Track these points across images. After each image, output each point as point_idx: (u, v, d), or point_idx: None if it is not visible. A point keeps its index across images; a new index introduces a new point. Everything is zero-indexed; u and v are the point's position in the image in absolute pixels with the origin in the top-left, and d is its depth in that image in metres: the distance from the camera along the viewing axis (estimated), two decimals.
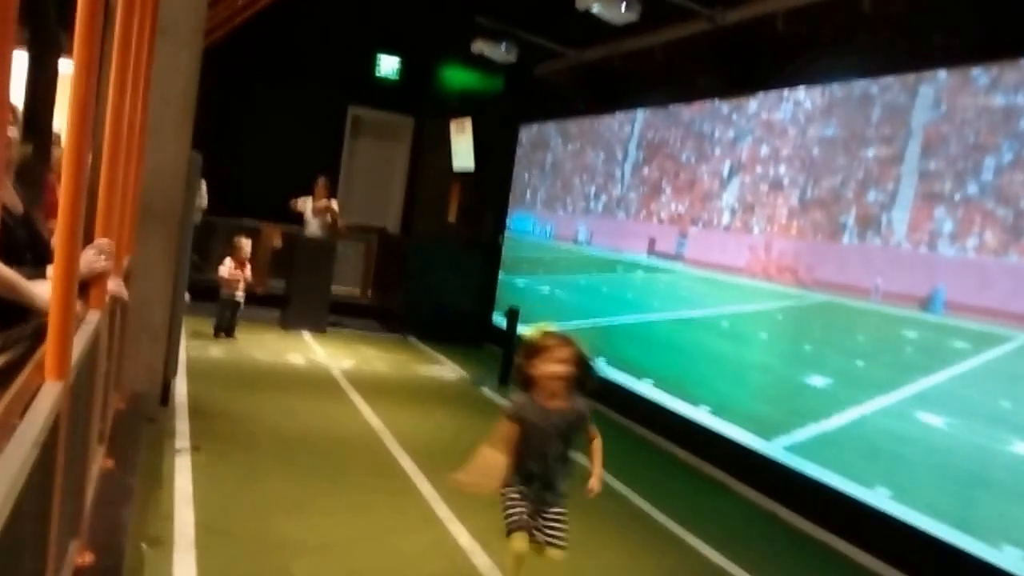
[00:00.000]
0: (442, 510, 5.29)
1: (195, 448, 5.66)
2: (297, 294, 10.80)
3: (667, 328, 8.39)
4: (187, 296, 11.57)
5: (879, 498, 5.53)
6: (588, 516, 5.68)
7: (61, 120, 7.48)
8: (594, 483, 3.88)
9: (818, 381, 6.29)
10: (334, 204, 11.57)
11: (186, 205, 6.32)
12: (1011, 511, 4.74)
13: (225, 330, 9.81)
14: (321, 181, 11.58)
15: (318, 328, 11.07)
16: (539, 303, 11.05)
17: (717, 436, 7.17)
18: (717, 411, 7.28)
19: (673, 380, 8.00)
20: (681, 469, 7.26)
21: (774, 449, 6.52)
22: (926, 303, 5.52)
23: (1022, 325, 4.89)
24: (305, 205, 11.42)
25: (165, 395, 6.49)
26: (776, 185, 7.05)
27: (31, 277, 2.82)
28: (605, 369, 9.08)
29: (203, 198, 11.49)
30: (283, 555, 4.32)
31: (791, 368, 6.60)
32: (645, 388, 8.35)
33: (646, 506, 6.01)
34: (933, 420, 5.29)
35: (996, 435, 4.88)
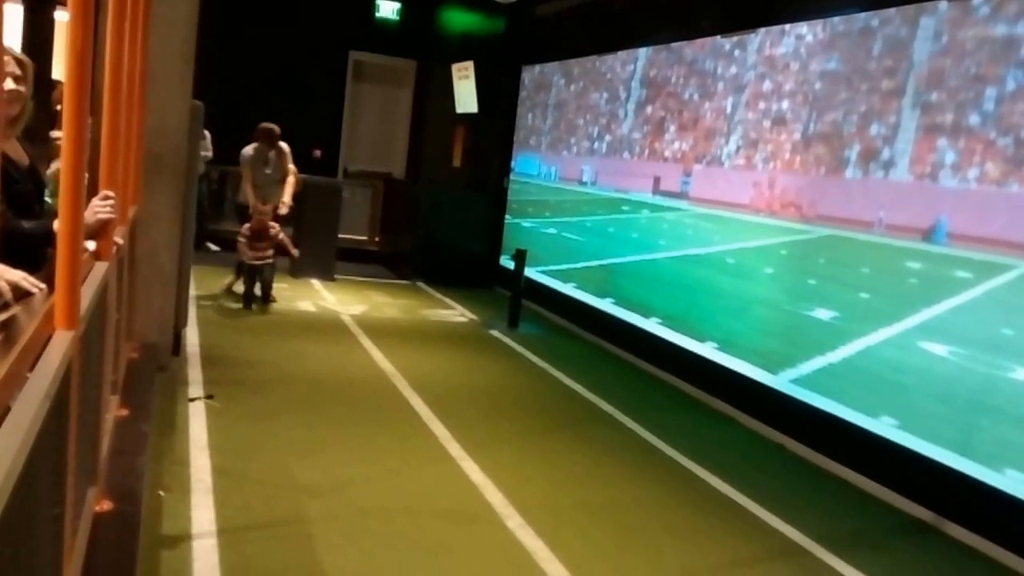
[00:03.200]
0: (454, 449, 5.39)
1: (208, 397, 5.75)
2: (305, 242, 10.84)
3: (673, 266, 8.42)
4: (213, 246, 11.68)
5: (884, 427, 5.60)
6: (598, 450, 5.79)
7: (59, 72, 7.48)
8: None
9: (823, 314, 6.33)
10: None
11: (190, 154, 6.35)
12: (1012, 436, 4.80)
13: (258, 299, 8.98)
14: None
15: (327, 275, 11.14)
16: (546, 245, 11.09)
17: (724, 370, 7.25)
18: (723, 346, 7.35)
19: (680, 317, 8.06)
20: (689, 404, 7.35)
21: (780, 382, 6.59)
22: (928, 234, 5.53)
23: (1022, 254, 4.92)
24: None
25: (177, 344, 6.57)
26: (779, 121, 7.03)
27: (40, 229, 2.87)
28: (617, 310, 9.15)
29: (208, 149, 11.50)
30: (299, 496, 4.43)
31: (796, 302, 6.64)
32: (652, 326, 8.41)
33: (655, 440, 6.10)
34: (936, 349, 5.34)
35: (998, 362, 4.93)
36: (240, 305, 8.88)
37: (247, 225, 9.00)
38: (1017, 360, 4.84)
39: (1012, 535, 4.72)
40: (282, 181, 9.51)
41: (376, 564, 3.81)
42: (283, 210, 9.35)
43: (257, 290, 9.01)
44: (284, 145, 9.58)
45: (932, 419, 5.30)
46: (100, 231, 3.28)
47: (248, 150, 9.50)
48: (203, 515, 4.04)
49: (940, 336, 5.35)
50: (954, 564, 4.69)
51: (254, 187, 9.41)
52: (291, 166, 9.61)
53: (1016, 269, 4.95)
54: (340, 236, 11.60)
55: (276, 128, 9.52)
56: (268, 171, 9.48)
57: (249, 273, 8.96)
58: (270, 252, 9.01)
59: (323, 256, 11.15)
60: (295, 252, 9.63)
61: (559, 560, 4.00)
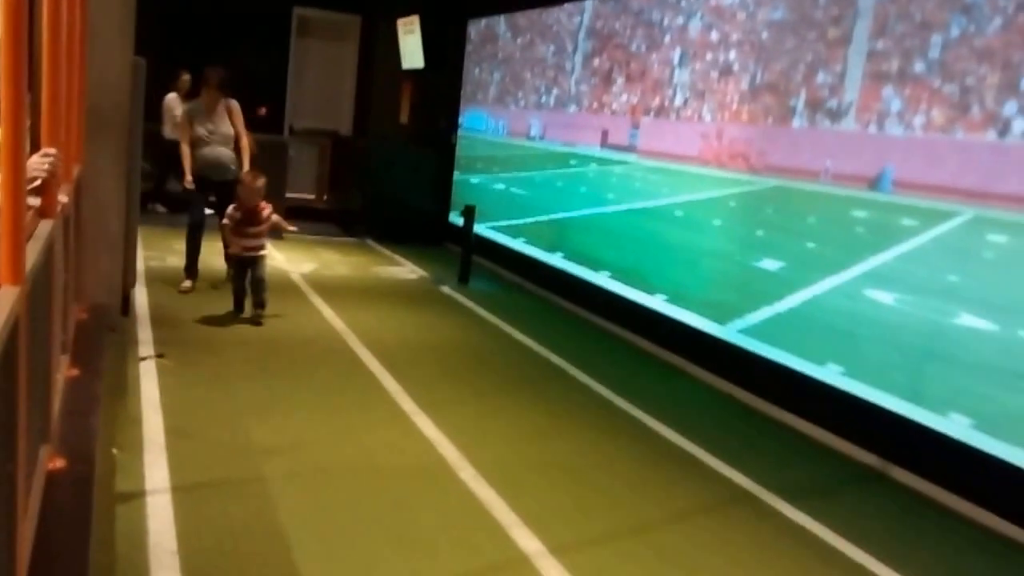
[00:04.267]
0: (408, 405, 5.39)
1: (159, 356, 5.68)
2: None
3: (623, 220, 8.45)
4: (160, 207, 11.47)
5: (832, 375, 5.70)
6: (551, 405, 5.82)
7: None
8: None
9: (771, 265, 6.41)
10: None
11: (134, 112, 6.20)
12: (957, 381, 4.92)
13: (251, 304, 7.04)
14: (184, 77, 11.27)
15: (275, 235, 10.98)
16: (495, 201, 11.06)
17: (674, 323, 7.31)
18: (673, 299, 7.41)
19: (630, 271, 8.10)
20: (641, 357, 7.42)
21: (730, 333, 6.67)
22: (875, 183, 5.61)
23: (968, 200, 5.00)
24: (176, 104, 11.07)
25: (125, 305, 6.47)
26: (726, 71, 7.05)
27: None
28: (568, 265, 9.17)
29: (176, 113, 11.38)
30: (254, 455, 4.40)
31: (744, 253, 6.71)
32: (603, 280, 8.45)
33: (608, 394, 6.15)
34: (883, 297, 5.43)
35: (944, 309, 5.03)
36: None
37: (233, 206, 6.99)
38: (962, 306, 4.94)
39: (957, 479, 4.84)
40: (233, 144, 7.81)
41: (335, 519, 3.81)
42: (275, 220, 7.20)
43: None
44: (234, 101, 7.87)
45: (879, 366, 5.40)
46: (43, 189, 3.20)
47: (173, 98, 8.64)
48: (157, 473, 4.00)
49: (887, 284, 5.44)
50: (901, 508, 4.80)
51: (192, 149, 7.69)
52: (242, 127, 7.91)
53: (961, 215, 5.04)
54: (288, 195, 11.46)
55: (225, 72, 7.79)
56: (210, 129, 7.67)
57: (238, 266, 7.02)
58: (262, 242, 7.01)
59: None
60: (294, 228, 7.80)
61: (514, 512, 4.03)
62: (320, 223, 12.55)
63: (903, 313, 5.29)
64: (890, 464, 5.23)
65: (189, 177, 7.71)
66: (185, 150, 7.73)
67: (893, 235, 5.46)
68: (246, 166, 7.73)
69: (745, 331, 6.51)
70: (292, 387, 5.55)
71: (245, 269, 6.94)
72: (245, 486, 4.04)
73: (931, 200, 5.24)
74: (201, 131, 7.72)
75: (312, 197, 13.35)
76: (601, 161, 8.95)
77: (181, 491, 3.86)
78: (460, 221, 10.04)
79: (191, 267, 7.87)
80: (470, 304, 8.70)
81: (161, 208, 11.63)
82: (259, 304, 7.00)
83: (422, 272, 10.20)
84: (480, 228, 10.28)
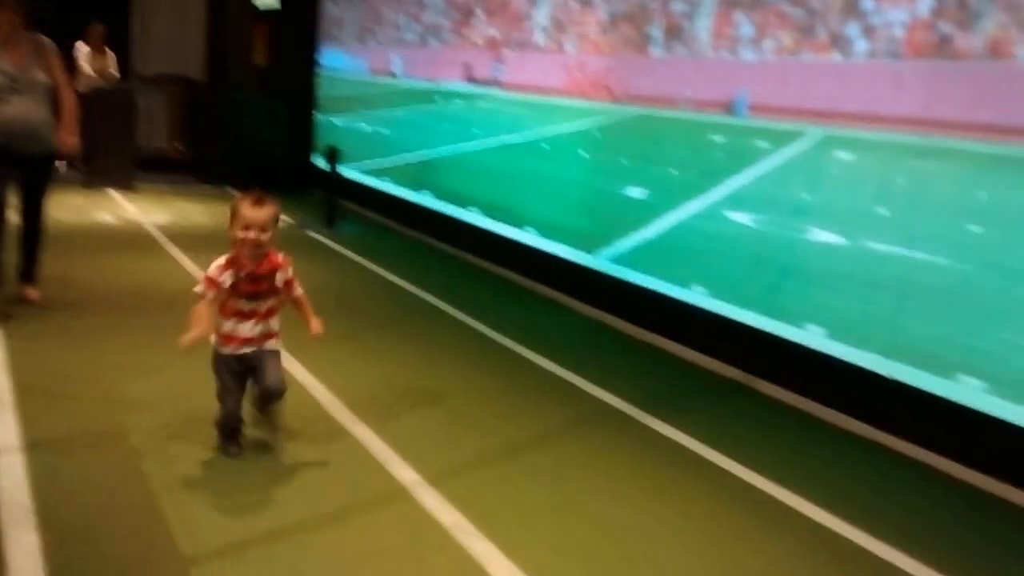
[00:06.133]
0: None
1: (4, 316, 5.39)
2: (97, 150, 10.17)
3: (489, 155, 8.41)
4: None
5: (696, 296, 5.84)
6: (426, 343, 5.80)
7: None
8: None
9: (636, 192, 6.49)
10: (111, 62, 10.82)
11: None
12: (812, 294, 5.11)
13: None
14: (97, 29, 10.79)
15: (125, 185, 10.55)
16: (360, 141, 10.86)
17: (545, 255, 7.36)
18: (544, 232, 7.44)
19: (499, 206, 8.09)
20: (514, 291, 7.45)
21: (599, 262, 6.75)
22: (730, 108, 5.71)
23: (816, 120, 5.15)
24: (80, 53, 10.59)
25: None
26: (585, 2, 7.03)
27: None
28: (436, 203, 9.09)
29: (112, 67, 10.84)
30: (119, 410, 4.23)
31: (610, 183, 6.77)
32: (472, 217, 8.42)
33: (484, 328, 6.16)
34: (742, 218, 5.57)
35: (798, 226, 5.19)
36: None
37: (220, 263, 4.32)
38: (814, 222, 5.11)
39: (815, 387, 5.05)
40: (47, 102, 5.53)
41: (213, 467, 3.72)
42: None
43: None
44: (47, 40, 5.59)
45: (740, 284, 5.56)
46: None
47: None
48: (5, 431, 3.81)
49: (745, 205, 5.58)
50: (764, 417, 4.99)
51: None
52: (62, 75, 5.66)
53: (810, 136, 5.19)
54: (141, 145, 11.00)
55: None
56: (10, 76, 5.34)
57: (232, 373, 3.86)
58: (274, 326, 3.92)
59: (120, 165, 10.54)
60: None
61: (391, 448, 4.01)
62: (176, 173, 12.09)
63: (760, 232, 5.45)
64: (753, 377, 5.42)
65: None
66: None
67: (749, 157, 5.59)
68: (71, 136, 5.62)
69: (615, 259, 6.60)
70: (157, 342, 5.34)
71: (244, 377, 3.88)
72: (108, 441, 3.89)
73: (783, 122, 5.37)
74: (84, 65, 6.12)
75: (166, 146, 12.84)
76: (465, 97, 8.87)
77: (35, 448, 3.68)
78: (324, 164, 9.82)
79: None
80: (338, 247, 8.56)
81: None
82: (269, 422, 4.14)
83: (287, 218, 9.95)
84: (346, 170, 10.09)
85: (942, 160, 4.55)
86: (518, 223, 7.75)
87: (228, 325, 3.74)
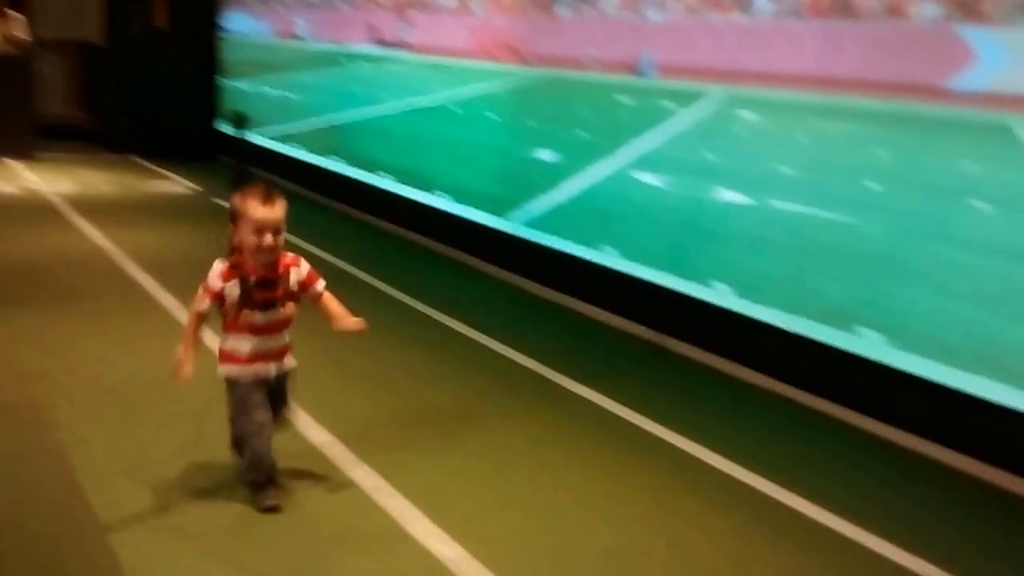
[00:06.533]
0: (185, 317, 5.21)
1: None
2: None
3: (399, 120, 8.36)
4: None
5: (608, 257, 5.92)
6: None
7: None
8: None
9: (546, 155, 6.53)
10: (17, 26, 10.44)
11: None
12: (720, 253, 5.23)
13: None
14: None
15: (24, 154, 10.21)
16: (267, 107, 10.68)
17: (457, 219, 7.37)
18: (456, 196, 7.45)
19: (410, 171, 8.06)
20: (427, 256, 7.45)
21: (512, 226, 6.79)
22: (637, 69, 5.78)
23: (720, 80, 5.25)
24: None
25: None
26: None
27: None
28: (345, 169, 9.01)
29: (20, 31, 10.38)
30: (26, 381, 4.16)
31: (520, 146, 6.80)
32: (383, 182, 8.38)
33: (397, 293, 6.18)
34: (651, 179, 5.66)
35: (704, 186, 5.30)
36: None
37: (223, 266, 4.26)
38: (720, 182, 5.22)
39: (724, 344, 5.19)
40: None
41: (127, 434, 3.69)
42: None
43: None
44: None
45: (649, 245, 5.66)
46: None
47: None
48: None
49: (653, 166, 5.67)
50: (676, 375, 5.11)
51: None
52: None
53: (714, 95, 5.29)
54: (41, 113, 10.64)
55: None
56: None
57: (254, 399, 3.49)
58: (287, 340, 3.11)
59: (18, 134, 10.19)
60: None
61: (309, 415, 4.00)
62: (78, 141, 11.74)
63: (669, 193, 5.54)
64: (664, 336, 5.53)
65: None
66: None
67: (656, 118, 5.67)
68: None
69: (528, 223, 6.64)
70: (64, 311, 5.24)
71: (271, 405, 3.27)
72: (16, 412, 3.82)
73: (688, 82, 5.46)
74: None
75: (66, 113, 12.43)
76: (372, 59, 8.78)
77: None
78: (231, 130, 9.65)
79: None
80: None
81: None
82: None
83: (195, 186, 9.78)
84: (254, 136, 9.92)
85: (842, 119, 4.68)
86: (429, 188, 7.74)
87: (243, 344, 3.14)
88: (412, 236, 7.89)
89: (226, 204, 8.82)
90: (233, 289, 3.11)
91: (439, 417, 4.18)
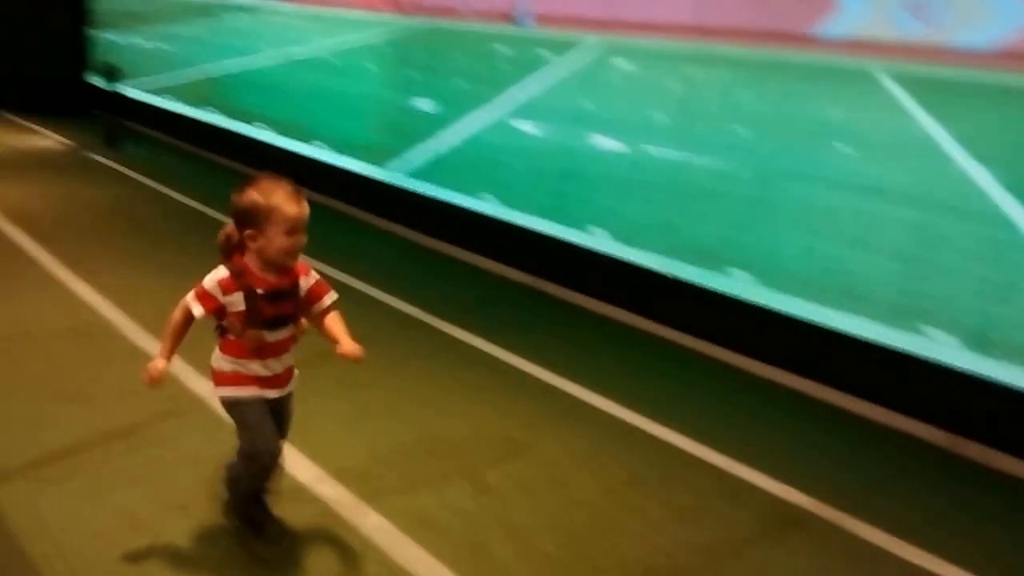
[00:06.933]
0: (63, 273, 5.11)
1: None
2: None
3: (279, 71, 8.22)
4: None
5: (488, 205, 5.99)
6: (212, 257, 5.68)
7: None
8: None
9: (426, 105, 6.54)
10: None
11: None
12: (594, 198, 5.35)
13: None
14: None
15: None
16: (143, 59, 10.34)
17: (337, 170, 7.32)
18: (337, 147, 7.39)
19: (290, 123, 7.95)
20: (311, 208, 7.37)
21: (394, 176, 6.79)
22: (514, 18, 5.82)
23: (595, 29, 5.34)
24: None
25: None
26: None
27: None
28: (223, 121, 8.84)
29: None
30: None
31: (399, 95, 6.78)
32: (263, 134, 8.25)
33: None
34: (529, 128, 5.73)
35: (581, 134, 5.40)
36: None
37: (224, 274, 2.70)
38: (595, 129, 5.31)
39: (602, 288, 5.33)
40: None
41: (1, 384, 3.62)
42: None
43: None
44: None
45: (528, 192, 5.74)
46: None
47: None
48: None
49: (531, 114, 5.73)
50: (550, 316, 5.26)
51: None
52: None
53: (590, 44, 5.38)
54: None
55: None
56: None
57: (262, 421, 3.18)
58: (292, 359, 3.31)
59: None
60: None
61: (187, 362, 3.98)
62: None
63: (546, 141, 5.62)
64: (543, 280, 5.64)
65: None
66: None
67: (533, 67, 5.73)
68: None
69: (410, 174, 6.64)
70: None
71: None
72: None
73: (564, 31, 5.54)
74: None
75: None
76: (249, 10, 8.60)
77: None
78: (101, 82, 9.33)
79: None
80: (122, 169, 8.22)
81: None
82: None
83: (66, 140, 9.44)
84: (128, 89, 9.62)
85: (714, 67, 4.82)
86: (310, 138, 7.66)
87: (248, 367, 2.67)
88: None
89: (100, 158, 8.57)
90: (236, 302, 2.61)
91: (323, 365, 4.17)
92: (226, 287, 2.60)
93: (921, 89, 3.94)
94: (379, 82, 7.05)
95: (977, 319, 3.77)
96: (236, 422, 2.67)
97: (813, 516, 3.18)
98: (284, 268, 2.66)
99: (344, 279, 5.49)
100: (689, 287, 4.84)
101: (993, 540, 3.16)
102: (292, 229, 2.60)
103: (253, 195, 2.59)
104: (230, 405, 2.67)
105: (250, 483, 2.72)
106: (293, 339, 2.74)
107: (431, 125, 6.45)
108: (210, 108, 9.06)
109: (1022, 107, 3.67)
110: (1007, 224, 3.65)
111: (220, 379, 2.68)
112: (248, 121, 8.44)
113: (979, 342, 3.76)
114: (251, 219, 2.58)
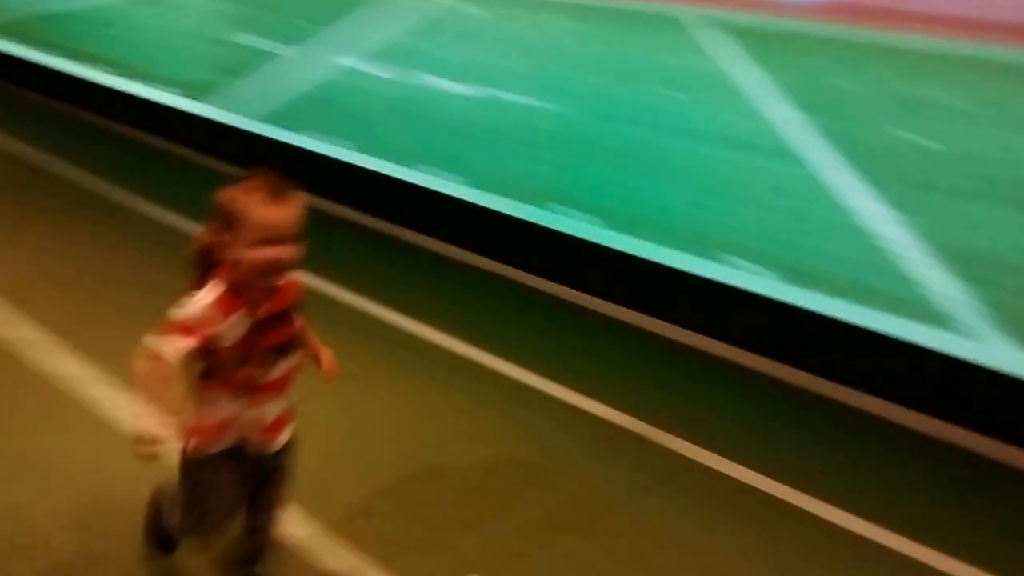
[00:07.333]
0: None
1: None
2: None
3: (104, 10, 7.81)
4: None
5: (345, 153, 6.00)
6: (37, 207, 5.56)
7: None
8: None
9: (253, 40, 6.47)
10: None
11: None
12: (450, 145, 5.44)
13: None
14: None
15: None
16: None
17: (174, 111, 7.17)
18: (145, 79, 7.23)
19: (118, 62, 7.70)
20: (147, 152, 7.27)
21: (247, 121, 6.64)
22: None
23: None
24: None
25: None
26: None
27: None
28: (52, 61, 8.42)
29: None
30: None
31: (229, 31, 6.65)
32: (92, 73, 7.96)
33: (105, 187, 6.10)
34: (380, 71, 5.71)
35: (432, 78, 5.45)
36: None
37: (214, 294, 2.52)
38: (433, 71, 5.43)
39: (456, 232, 5.52)
40: None
41: None
42: None
43: None
44: None
45: (381, 138, 5.79)
46: None
47: None
48: None
49: (383, 58, 5.71)
50: (406, 263, 5.42)
51: None
52: None
53: None
54: None
55: None
56: None
57: (239, 473, 2.65)
58: (289, 398, 2.80)
59: None
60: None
61: (37, 323, 3.99)
62: None
63: (397, 84, 5.64)
64: (396, 226, 5.82)
65: None
66: None
67: (384, 8, 5.70)
68: None
69: (264, 119, 6.52)
70: None
71: (251, 487, 2.31)
72: None
73: None
74: None
75: None
76: None
77: None
78: None
79: None
80: None
81: None
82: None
83: None
84: None
85: (564, 14, 4.90)
86: (144, 79, 7.43)
87: (230, 409, 2.12)
88: (130, 131, 7.55)
89: None
90: (235, 329, 2.03)
91: (124, 290, 4.10)
92: (226, 308, 2.01)
93: (748, 38, 4.21)
94: (213, 17, 6.83)
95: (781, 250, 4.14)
96: (187, 486, 2.17)
97: (629, 432, 3.61)
98: (276, 288, 2.13)
99: (163, 216, 5.51)
100: (543, 231, 5.03)
101: (789, 443, 3.69)
102: (265, 240, 2.01)
103: (227, 194, 2.03)
104: (190, 464, 2.15)
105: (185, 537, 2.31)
106: (295, 371, 2.22)
107: (253, 58, 6.39)
108: (35, 46, 8.57)
109: (841, 58, 3.96)
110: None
111: (192, 431, 2.13)
112: (83, 61, 8.05)
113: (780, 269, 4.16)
114: (223, 224, 2.03)
